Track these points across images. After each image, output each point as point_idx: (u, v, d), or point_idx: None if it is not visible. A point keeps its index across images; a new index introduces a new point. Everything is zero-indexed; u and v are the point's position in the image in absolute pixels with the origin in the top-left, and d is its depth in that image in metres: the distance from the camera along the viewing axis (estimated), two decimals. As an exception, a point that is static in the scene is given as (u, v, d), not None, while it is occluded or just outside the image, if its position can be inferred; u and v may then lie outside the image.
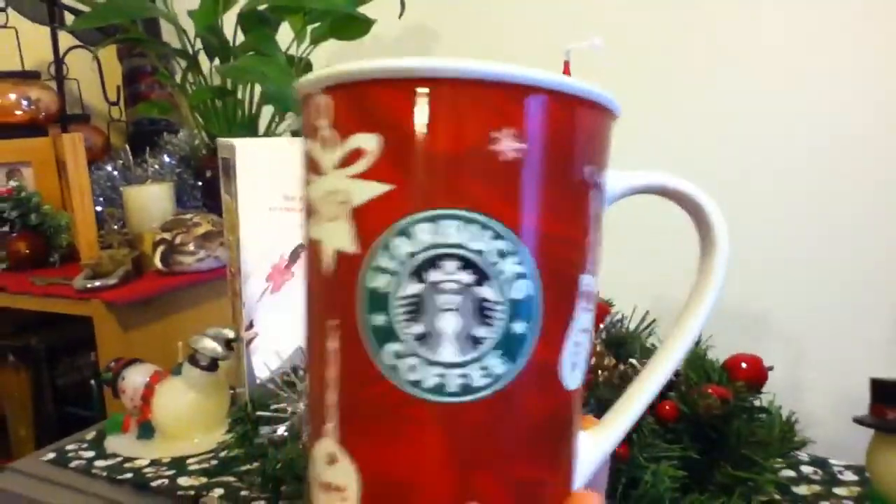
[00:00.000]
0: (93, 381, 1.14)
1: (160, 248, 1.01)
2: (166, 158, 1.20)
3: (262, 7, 1.04)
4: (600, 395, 0.52)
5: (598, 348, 0.59)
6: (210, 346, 0.72)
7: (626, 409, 0.26)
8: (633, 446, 0.50)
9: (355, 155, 0.21)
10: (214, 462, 0.70)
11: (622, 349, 0.61)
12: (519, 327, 0.21)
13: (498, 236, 0.21)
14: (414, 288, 0.21)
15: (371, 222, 0.21)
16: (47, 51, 1.36)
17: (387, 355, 0.21)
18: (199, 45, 1.13)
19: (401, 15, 1.11)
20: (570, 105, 0.22)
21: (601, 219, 0.24)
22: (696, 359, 0.59)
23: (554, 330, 0.22)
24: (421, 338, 0.21)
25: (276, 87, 0.96)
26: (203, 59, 1.14)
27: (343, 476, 0.22)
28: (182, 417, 0.73)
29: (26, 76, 1.32)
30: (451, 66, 0.21)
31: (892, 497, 0.42)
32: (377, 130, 0.21)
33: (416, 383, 0.21)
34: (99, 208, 1.17)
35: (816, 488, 0.60)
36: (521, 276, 0.21)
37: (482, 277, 0.21)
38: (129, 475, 0.69)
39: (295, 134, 1.15)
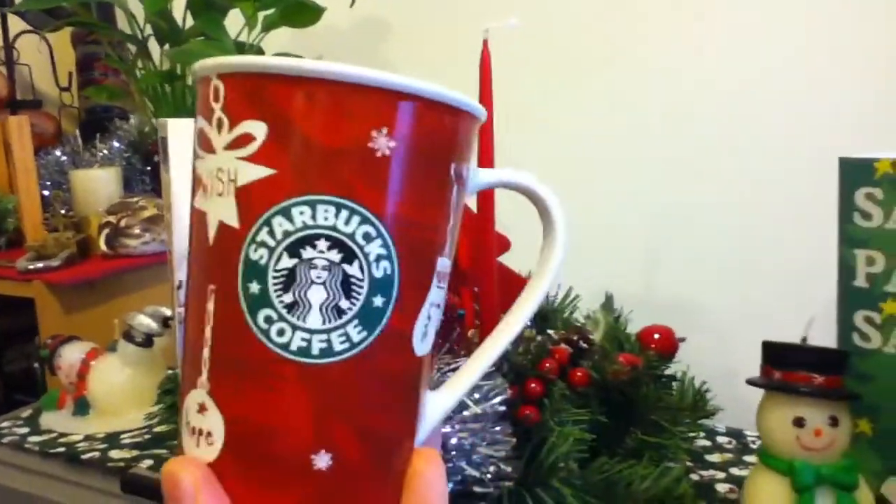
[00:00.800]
0: (36, 365, 1.13)
1: (105, 231, 1.01)
2: (115, 144, 1.19)
3: (211, -8, 1.05)
4: (517, 362, 0.54)
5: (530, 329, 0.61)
6: (145, 322, 0.72)
7: (468, 373, 0.30)
8: (545, 411, 0.52)
9: (244, 139, 0.24)
10: (147, 436, 0.71)
11: (546, 322, 0.63)
12: (378, 301, 0.24)
13: (366, 221, 0.23)
14: (288, 262, 0.23)
15: (254, 201, 0.23)
16: (-3, 35, 1.35)
17: (260, 319, 0.23)
18: (148, 30, 1.13)
19: (352, 4, 1.12)
20: (439, 110, 0.25)
21: (461, 208, 0.27)
22: (612, 330, 0.61)
23: (409, 304, 0.25)
24: (291, 306, 0.23)
25: (223, 71, 0.97)
26: (153, 45, 1.14)
27: (211, 423, 0.24)
28: (117, 393, 0.73)
29: (-25, 60, 1.31)
30: (337, 70, 0.23)
31: (777, 449, 0.45)
32: (265, 119, 0.23)
33: (283, 346, 0.23)
34: (47, 192, 1.16)
35: (728, 456, 0.63)
36: (383, 257, 0.24)
37: (349, 256, 0.24)
38: (61, 449, 0.69)
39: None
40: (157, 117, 1.17)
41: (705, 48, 0.84)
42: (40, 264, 0.96)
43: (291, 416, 0.24)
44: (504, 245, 0.64)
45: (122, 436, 0.71)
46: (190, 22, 1.09)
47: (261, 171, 0.24)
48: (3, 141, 1.22)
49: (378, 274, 0.24)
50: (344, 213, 0.23)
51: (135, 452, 0.67)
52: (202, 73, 0.25)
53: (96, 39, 1.36)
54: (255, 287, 0.23)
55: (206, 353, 0.25)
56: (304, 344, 0.24)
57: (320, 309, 0.24)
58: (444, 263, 0.26)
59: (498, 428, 0.49)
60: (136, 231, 1.00)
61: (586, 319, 0.64)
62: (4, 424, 0.76)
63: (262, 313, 0.23)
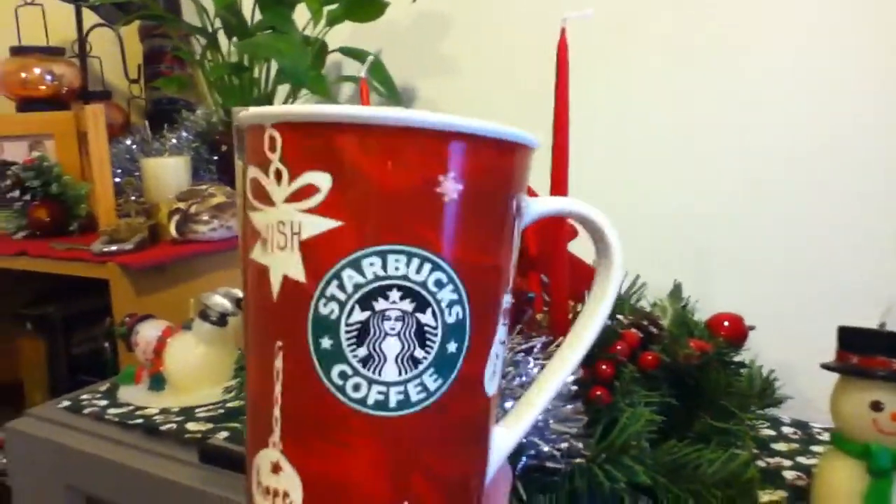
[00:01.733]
0: (106, 344, 1.18)
1: (175, 217, 1.04)
2: (184, 134, 1.24)
3: (279, -13, 1.07)
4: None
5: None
6: (220, 301, 0.75)
7: (533, 402, 0.30)
8: (615, 392, 0.53)
9: (307, 191, 0.23)
10: (221, 411, 0.73)
11: (617, 307, 0.64)
12: (452, 347, 0.24)
13: (437, 268, 0.23)
14: (361, 316, 0.23)
15: (321, 254, 0.23)
16: (71, 29, 1.40)
17: (334, 375, 0.23)
18: (218, 24, 1.16)
19: (414, 0, 1.14)
20: (499, 148, 0.24)
21: (519, 241, 0.27)
22: (680, 317, 0.61)
23: (479, 346, 0.25)
24: (365, 360, 0.23)
25: (291, 63, 1.00)
26: (222, 38, 1.17)
27: (287, 482, 0.24)
28: (192, 369, 0.76)
29: (51, 52, 1.36)
30: (401, 116, 0.23)
31: (852, 434, 0.45)
32: (329, 170, 0.23)
33: (360, 401, 0.23)
34: (117, 180, 1.20)
35: (795, 445, 0.63)
36: (455, 302, 0.24)
37: (422, 305, 0.23)
38: (139, 420, 0.72)
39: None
40: (224, 109, 1.21)
41: (795, 43, 0.83)
42: (114, 247, 1.00)
43: (371, 472, 0.24)
44: (571, 233, 0.65)
45: (197, 410, 0.74)
46: (258, 17, 1.12)
47: (327, 224, 0.23)
48: (77, 131, 1.28)
49: (451, 320, 0.24)
50: (415, 262, 0.23)
51: (209, 425, 0.70)
52: (253, 121, 0.25)
53: (163, 33, 1.40)
54: (326, 342, 0.23)
55: (276, 411, 0.24)
56: (381, 398, 0.24)
57: (396, 360, 0.24)
58: (507, 299, 0.27)
59: (570, 407, 0.50)
60: (205, 217, 1.04)
61: (653, 307, 0.64)
62: (84, 397, 0.80)
63: (337, 369, 0.23)
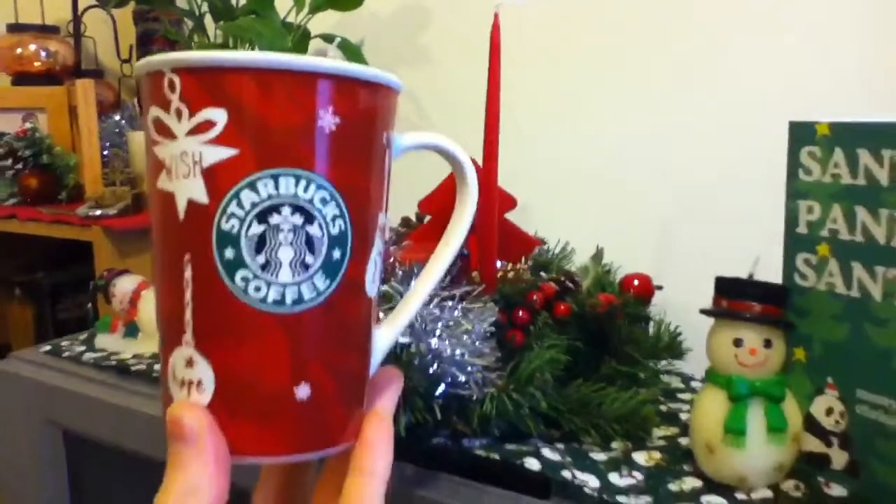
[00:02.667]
0: (89, 305, 1.24)
1: (157, 187, 1.11)
2: (170, 111, 1.30)
3: (263, -26, 1.14)
4: (507, 292, 0.62)
5: (526, 271, 0.69)
6: (191, 257, 0.82)
7: (406, 308, 0.35)
8: (529, 335, 0.60)
9: (206, 125, 0.27)
10: (188, 357, 0.80)
11: (545, 269, 0.71)
12: (336, 254, 0.29)
13: (321, 188, 0.28)
14: (258, 229, 0.27)
15: (221, 179, 0.27)
16: (67, 9, 1.47)
17: (237, 279, 0.28)
18: (205, 8, 1.23)
19: (393, -11, 1.20)
20: (368, 87, 0.29)
21: (391, 169, 0.32)
22: (600, 278, 0.69)
23: (360, 254, 0.30)
24: (264, 266, 0.28)
25: (270, 46, 1.06)
26: (209, 21, 1.24)
27: (200, 373, 0.28)
28: (163, 319, 0.83)
29: (46, 30, 1.42)
30: (284, 59, 0.27)
31: (719, 368, 0.52)
32: (224, 106, 0.27)
33: (261, 300, 0.28)
34: (106, 153, 1.27)
35: (697, 396, 0.70)
36: (337, 217, 0.29)
37: (310, 219, 0.28)
38: (113, 363, 0.79)
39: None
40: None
41: (722, 41, 0.90)
42: (98, 212, 1.07)
43: (273, 358, 0.28)
44: (510, 203, 0.72)
45: (166, 356, 0.81)
46: (243, 2, 1.19)
47: (225, 153, 0.27)
48: (69, 105, 1.34)
49: (335, 231, 0.29)
50: (303, 183, 0.28)
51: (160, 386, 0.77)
52: (152, 68, 0.28)
53: (156, 17, 1.47)
54: (229, 253, 0.27)
55: (188, 314, 0.28)
56: (278, 297, 0.28)
57: (290, 265, 0.28)
58: (382, 218, 0.31)
59: (486, 344, 0.57)
60: (185, 187, 1.10)
61: (580, 269, 0.72)
62: (64, 343, 0.87)
63: (239, 274, 0.28)
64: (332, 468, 0.33)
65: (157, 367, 0.77)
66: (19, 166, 1.26)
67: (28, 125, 1.29)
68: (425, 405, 0.55)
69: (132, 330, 0.84)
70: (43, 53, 1.39)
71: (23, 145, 1.25)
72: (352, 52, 1.21)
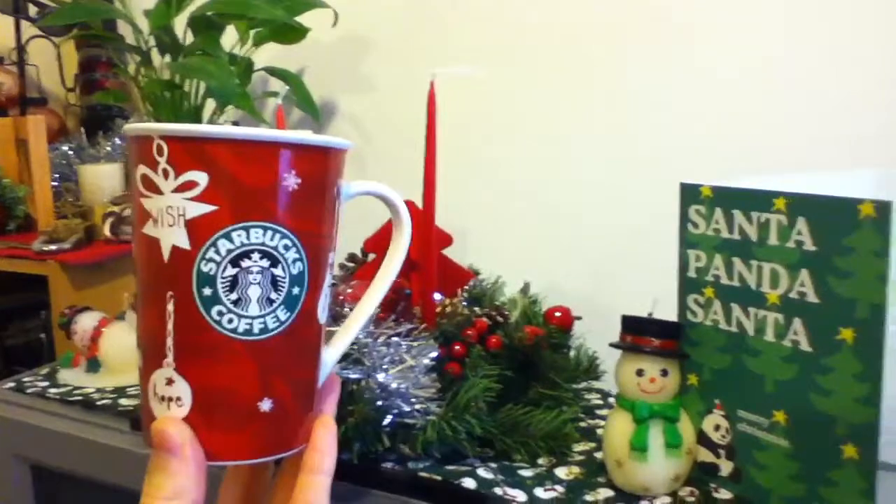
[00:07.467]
0: (42, 335, 1.27)
1: (109, 220, 1.15)
2: (118, 141, 1.34)
3: (210, 13, 1.19)
4: (446, 329, 0.69)
5: (461, 302, 0.77)
6: (150, 295, 0.87)
7: (346, 333, 0.41)
8: (466, 367, 0.68)
9: (189, 184, 0.32)
10: (150, 389, 0.86)
11: (477, 302, 0.79)
12: (296, 290, 0.35)
13: (285, 237, 0.34)
14: (232, 271, 0.33)
15: (201, 229, 0.32)
16: (10, 38, 1.48)
17: (213, 313, 0.33)
18: (152, 41, 1.27)
19: (334, 24, 1.27)
20: (325, 152, 0.35)
21: (341, 214, 0.38)
22: (526, 309, 0.77)
23: (314, 289, 0.35)
24: (236, 302, 0.33)
25: (218, 84, 1.11)
26: (155, 54, 1.28)
27: (179, 391, 0.33)
28: (125, 354, 0.88)
29: (-10, 60, 1.44)
30: (257, 133, 0.32)
31: (625, 394, 0.60)
32: (205, 169, 0.32)
33: (233, 330, 0.33)
34: (55, 183, 1.30)
35: (615, 411, 0.79)
36: (297, 259, 0.34)
37: (275, 262, 0.34)
38: (78, 397, 0.84)
39: (235, 124, 1.31)
40: (157, 119, 1.32)
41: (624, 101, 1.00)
42: (53, 246, 1.10)
43: (242, 378, 0.34)
44: (446, 240, 0.80)
45: (128, 388, 0.86)
46: (190, 37, 1.24)
47: (206, 208, 0.32)
48: (16, 137, 1.36)
49: (295, 272, 0.34)
50: (269, 233, 0.33)
51: (140, 401, 0.82)
52: (143, 133, 0.33)
53: (98, 44, 1.50)
54: (207, 291, 0.33)
55: (169, 341, 0.33)
56: (248, 327, 0.33)
57: (257, 301, 0.33)
58: (332, 257, 0.37)
59: (427, 377, 0.65)
60: (138, 220, 1.15)
61: (508, 301, 0.80)
62: (27, 379, 0.91)
63: (215, 309, 0.33)
64: (287, 467, 0.39)
65: (121, 401, 0.83)
66: (-34, 198, 1.28)
67: (-26, 157, 1.31)
68: (375, 435, 0.63)
69: (94, 365, 0.89)
70: (-13, 84, 1.41)
71: (-30, 178, 1.27)
72: (295, 84, 1.28)
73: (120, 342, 0.89)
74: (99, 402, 0.82)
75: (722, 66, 0.92)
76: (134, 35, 1.26)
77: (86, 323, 0.90)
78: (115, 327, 0.89)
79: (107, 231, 1.16)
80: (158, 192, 0.33)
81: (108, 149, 1.34)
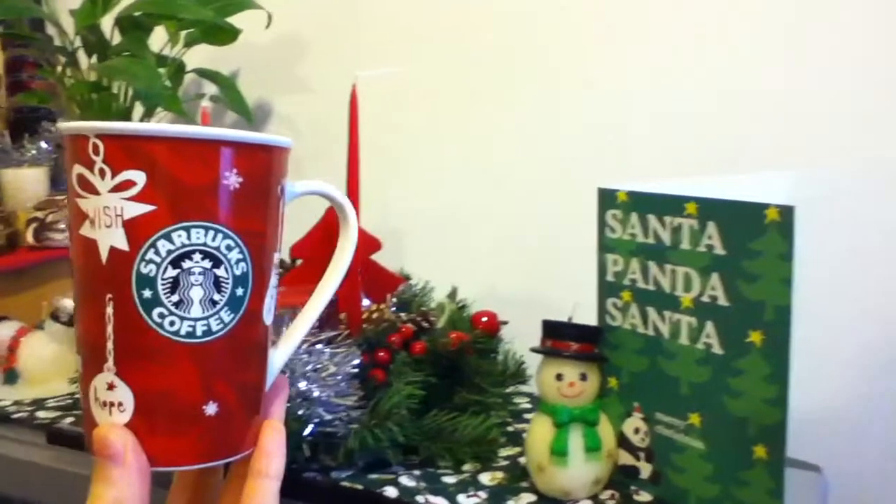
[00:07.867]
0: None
1: (33, 226, 1.11)
2: (44, 144, 1.29)
3: (137, 13, 1.16)
4: (370, 335, 0.69)
5: (389, 308, 0.76)
6: (69, 304, 0.85)
7: (291, 337, 0.40)
8: (390, 374, 0.67)
9: (127, 184, 0.31)
10: (69, 401, 0.83)
11: (405, 307, 0.79)
12: (240, 292, 0.34)
13: (227, 237, 0.33)
14: (172, 272, 0.32)
15: (140, 230, 0.31)
16: (-71, 36, 1.42)
17: (154, 316, 0.32)
18: (78, 41, 1.23)
19: (267, 26, 1.25)
20: (263, 150, 0.34)
21: (285, 213, 0.37)
22: (454, 315, 0.77)
23: (259, 290, 0.35)
24: (178, 303, 0.32)
25: (145, 86, 1.09)
26: (82, 55, 1.24)
27: (121, 396, 0.32)
28: (43, 365, 0.85)
29: None
30: (195, 131, 0.32)
31: (546, 398, 0.61)
32: (143, 168, 0.31)
33: (175, 332, 0.32)
34: (-25, 188, 1.25)
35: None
36: (240, 260, 0.33)
37: (217, 263, 0.33)
38: (-7, 411, 0.81)
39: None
40: (85, 121, 1.28)
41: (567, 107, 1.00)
42: (-29, 254, 1.06)
43: (185, 381, 0.33)
44: (374, 245, 0.79)
45: (47, 400, 0.83)
46: (117, 37, 1.20)
47: (144, 208, 0.31)
48: (-65, 139, 1.31)
49: (238, 273, 0.33)
50: (211, 233, 0.32)
51: (58, 413, 0.80)
52: (77, 131, 0.32)
53: (25, 44, 1.45)
54: (147, 293, 0.32)
55: (109, 345, 0.32)
56: (190, 329, 0.32)
57: (200, 302, 0.32)
58: (276, 257, 0.36)
59: (349, 384, 0.64)
60: (62, 226, 1.11)
61: (437, 306, 0.80)
62: (-60, 392, 0.87)
63: (156, 311, 0.32)
64: (235, 471, 0.38)
65: (38, 413, 0.80)
66: None
67: None
68: (295, 445, 0.62)
69: (12, 376, 0.86)
70: None
71: None
72: (227, 86, 1.26)
73: (39, 353, 0.86)
74: (15, 416, 0.79)
75: (649, 66, 0.93)
76: (59, 35, 1.23)
77: (3, 332, 0.87)
78: (33, 337, 0.86)
79: (30, 237, 1.11)
80: (95, 192, 0.32)
81: (34, 152, 1.29)
